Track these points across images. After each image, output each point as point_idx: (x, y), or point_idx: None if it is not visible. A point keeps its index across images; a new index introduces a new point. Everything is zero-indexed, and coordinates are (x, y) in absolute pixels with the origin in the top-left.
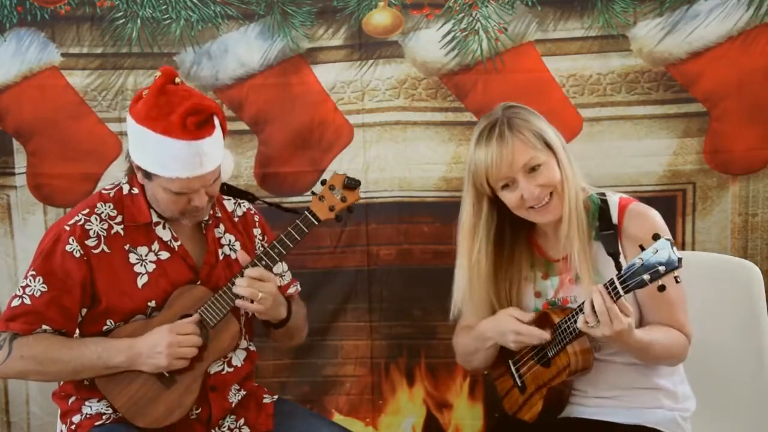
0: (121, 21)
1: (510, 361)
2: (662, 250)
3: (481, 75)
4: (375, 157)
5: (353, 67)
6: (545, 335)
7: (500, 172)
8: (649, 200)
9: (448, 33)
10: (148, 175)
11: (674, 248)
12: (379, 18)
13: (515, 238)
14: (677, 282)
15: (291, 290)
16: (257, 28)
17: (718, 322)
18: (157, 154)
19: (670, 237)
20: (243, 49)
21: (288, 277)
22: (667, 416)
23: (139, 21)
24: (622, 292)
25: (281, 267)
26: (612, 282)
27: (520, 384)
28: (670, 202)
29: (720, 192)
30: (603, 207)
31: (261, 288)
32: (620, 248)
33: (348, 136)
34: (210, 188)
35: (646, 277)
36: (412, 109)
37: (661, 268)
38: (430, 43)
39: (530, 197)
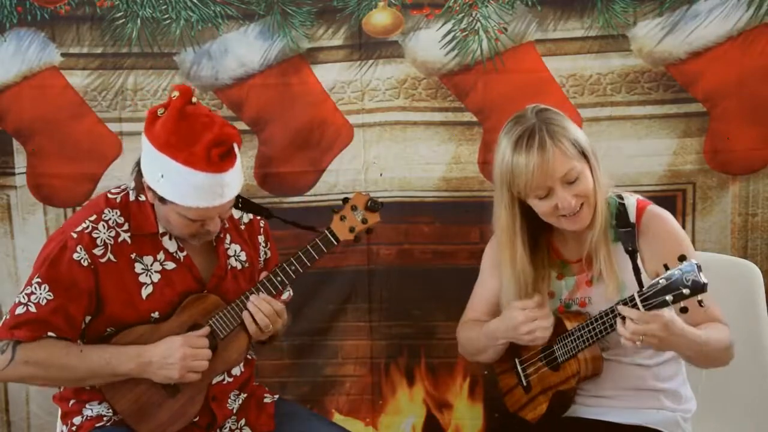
0: (121, 21)
1: (516, 360)
2: (688, 273)
3: (481, 75)
4: (375, 157)
5: (353, 67)
6: (551, 319)
7: (541, 181)
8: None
9: (448, 33)
10: (162, 199)
11: (701, 272)
12: (379, 18)
13: (534, 235)
14: (701, 305)
15: (284, 296)
16: (257, 28)
17: None
18: (178, 184)
19: (696, 259)
20: (243, 49)
21: None
22: (668, 417)
23: (139, 21)
24: (642, 310)
25: None
26: (632, 298)
27: (525, 384)
28: (670, 202)
29: (720, 192)
30: (620, 210)
31: (274, 323)
32: (637, 247)
33: (348, 136)
34: (224, 213)
35: (668, 297)
36: (412, 109)
37: (686, 291)
38: (430, 43)
39: (565, 207)
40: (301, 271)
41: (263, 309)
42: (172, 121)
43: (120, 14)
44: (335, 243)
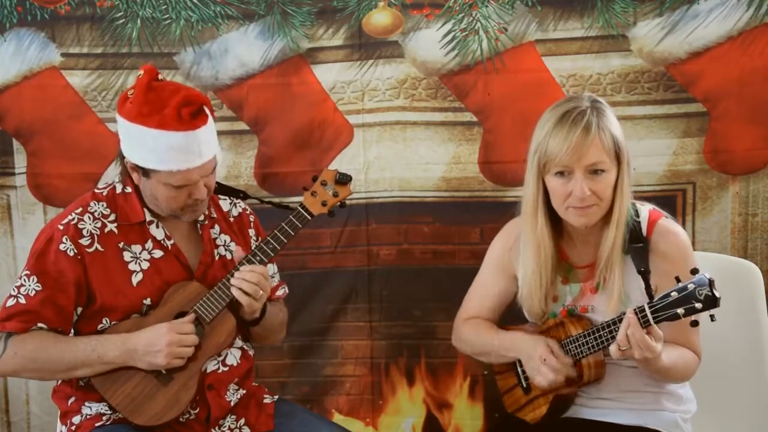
0: (121, 21)
1: (517, 360)
2: (701, 287)
3: (481, 75)
4: (375, 157)
5: (353, 67)
6: (572, 372)
7: (569, 159)
8: (649, 200)
9: (448, 33)
10: (146, 173)
11: (714, 288)
12: (379, 18)
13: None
14: (713, 320)
15: (279, 293)
16: (257, 28)
17: (718, 322)
18: (155, 150)
19: (710, 275)
20: (243, 49)
21: (277, 279)
22: (668, 418)
23: (139, 21)
24: (652, 322)
25: (272, 268)
26: (642, 309)
27: (525, 385)
28: (670, 202)
29: (720, 192)
30: (634, 222)
31: (264, 288)
32: (648, 264)
33: (348, 136)
34: (208, 180)
35: (680, 311)
36: (412, 109)
37: (698, 305)
38: (430, 43)
39: (579, 196)
40: (279, 248)
41: (248, 278)
42: (140, 94)
43: (120, 14)
44: (309, 218)
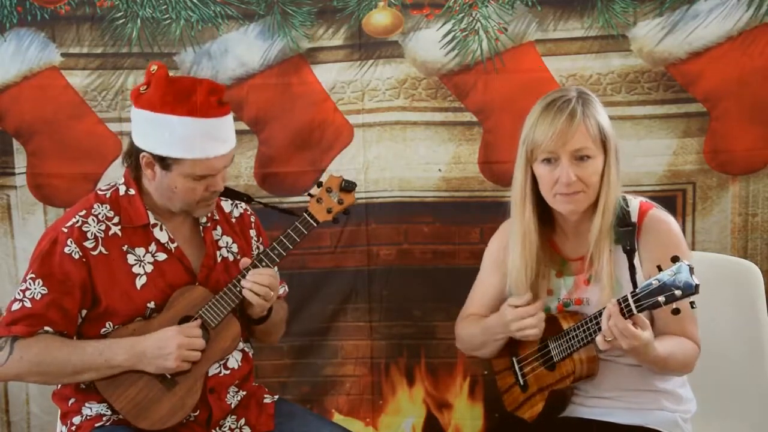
0: (121, 21)
1: (514, 359)
2: (680, 274)
3: (481, 75)
4: (375, 157)
5: (353, 67)
6: (540, 317)
7: (554, 145)
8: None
9: (448, 33)
10: (166, 166)
11: (693, 274)
12: (379, 18)
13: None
14: (693, 307)
15: (280, 291)
16: (257, 28)
17: (718, 322)
18: (186, 137)
19: (690, 262)
20: (243, 49)
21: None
22: (668, 417)
23: (139, 21)
24: (635, 311)
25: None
26: (626, 299)
27: (522, 383)
28: (670, 202)
29: (720, 192)
30: (624, 212)
31: (274, 288)
32: (636, 247)
33: (348, 136)
34: (224, 172)
35: (661, 299)
36: (412, 109)
37: (678, 293)
38: (430, 43)
39: (566, 182)
40: (284, 254)
41: (260, 281)
42: (162, 85)
43: (120, 14)
44: (315, 225)
